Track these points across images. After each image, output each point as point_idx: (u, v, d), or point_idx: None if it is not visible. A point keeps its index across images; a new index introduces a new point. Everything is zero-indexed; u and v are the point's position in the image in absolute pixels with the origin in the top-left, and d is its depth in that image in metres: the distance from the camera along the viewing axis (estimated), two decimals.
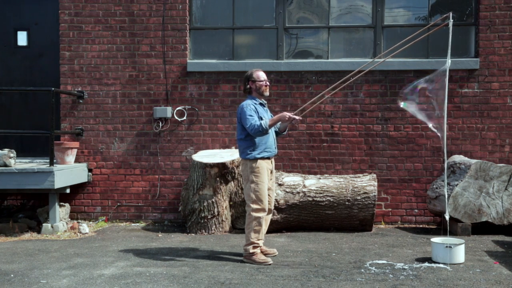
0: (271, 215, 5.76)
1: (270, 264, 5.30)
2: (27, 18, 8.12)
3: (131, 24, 7.79)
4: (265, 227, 5.59)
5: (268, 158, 5.51)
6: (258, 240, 5.43)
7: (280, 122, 5.49)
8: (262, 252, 5.55)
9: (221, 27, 7.86)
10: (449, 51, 5.26)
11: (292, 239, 6.45)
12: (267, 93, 5.61)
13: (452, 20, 5.20)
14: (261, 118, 5.44)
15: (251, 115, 5.37)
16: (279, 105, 7.56)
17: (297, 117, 5.40)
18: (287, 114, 5.36)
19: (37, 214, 7.39)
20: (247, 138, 5.46)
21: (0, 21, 8.16)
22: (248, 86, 5.60)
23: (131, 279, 4.80)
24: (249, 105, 5.47)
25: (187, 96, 7.76)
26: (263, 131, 5.31)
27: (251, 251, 5.42)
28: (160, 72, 7.78)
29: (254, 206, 5.41)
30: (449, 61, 5.23)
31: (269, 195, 5.58)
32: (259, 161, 5.42)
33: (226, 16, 7.86)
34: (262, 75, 5.58)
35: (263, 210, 5.42)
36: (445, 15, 5.30)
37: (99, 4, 7.81)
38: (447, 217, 5.18)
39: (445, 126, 5.31)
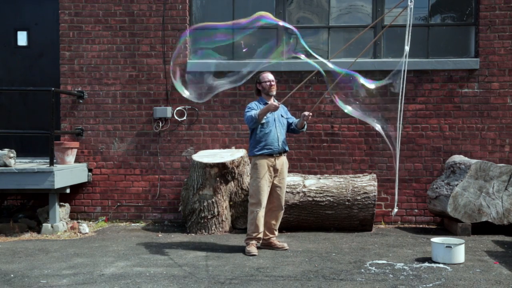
0: (282, 211, 6.02)
1: (254, 255, 5.60)
2: (27, 18, 8.12)
3: (131, 24, 7.79)
4: (275, 221, 5.99)
5: (270, 155, 5.76)
6: (253, 233, 5.78)
7: (270, 112, 5.75)
8: (273, 244, 5.91)
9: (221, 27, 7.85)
10: (408, 36, 4.88)
11: (292, 239, 6.45)
12: (273, 92, 5.92)
13: (412, 2, 4.87)
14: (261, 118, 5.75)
15: (248, 111, 5.77)
16: None
17: (276, 103, 5.65)
18: (274, 103, 5.66)
19: (37, 214, 7.39)
20: (251, 136, 5.86)
21: (0, 21, 8.16)
22: (257, 89, 5.97)
23: (131, 279, 4.80)
24: (250, 104, 5.89)
25: None
26: (253, 120, 5.66)
27: (245, 242, 5.83)
28: (160, 72, 7.78)
29: (251, 200, 5.82)
30: (407, 47, 4.94)
31: (276, 191, 5.88)
32: (258, 158, 5.76)
33: (226, 16, 7.85)
34: (267, 76, 5.93)
35: (258, 204, 5.74)
36: None
37: (99, 4, 7.81)
38: None
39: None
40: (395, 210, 4.98)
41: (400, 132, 5.10)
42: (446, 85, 7.55)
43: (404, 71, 4.98)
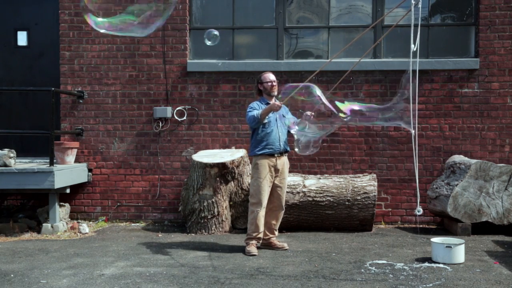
0: (282, 211, 6.02)
1: (254, 255, 5.61)
2: (27, 18, 8.12)
3: None
4: (275, 221, 5.97)
5: (272, 155, 5.78)
6: (253, 232, 5.78)
7: (272, 112, 5.74)
8: (273, 244, 5.92)
9: (221, 27, 7.85)
10: (416, 35, 4.75)
11: (292, 239, 6.45)
12: (274, 93, 5.90)
13: (414, 2, 4.80)
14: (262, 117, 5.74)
15: (250, 110, 5.77)
16: None
17: (279, 103, 5.64)
18: (276, 103, 5.64)
19: (37, 214, 7.39)
20: (252, 136, 5.86)
21: (0, 21, 8.16)
22: (258, 89, 5.95)
23: (131, 279, 4.80)
24: (252, 104, 5.88)
25: (187, 96, 7.76)
26: (255, 120, 5.67)
27: (245, 242, 5.83)
28: (160, 72, 7.78)
29: (251, 200, 5.82)
30: (412, 45, 4.81)
31: (277, 191, 5.88)
32: (259, 157, 5.77)
33: (226, 16, 7.86)
34: (268, 76, 5.91)
35: (258, 204, 5.74)
36: None
37: (99, 4, 7.80)
38: None
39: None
40: (420, 210, 4.82)
41: (416, 132, 5.04)
42: (446, 85, 7.55)
43: (416, 70, 4.85)
